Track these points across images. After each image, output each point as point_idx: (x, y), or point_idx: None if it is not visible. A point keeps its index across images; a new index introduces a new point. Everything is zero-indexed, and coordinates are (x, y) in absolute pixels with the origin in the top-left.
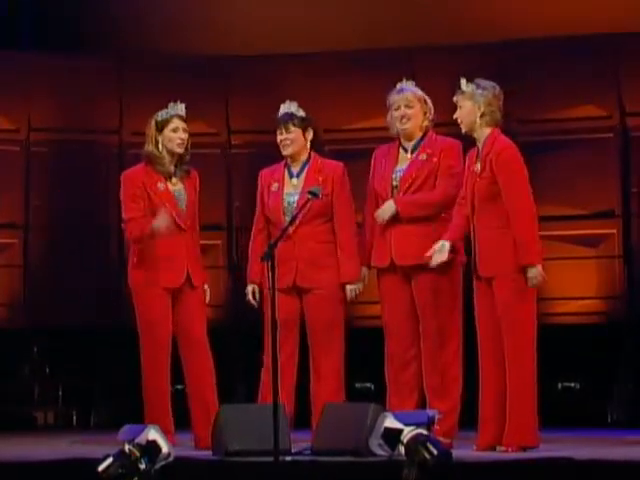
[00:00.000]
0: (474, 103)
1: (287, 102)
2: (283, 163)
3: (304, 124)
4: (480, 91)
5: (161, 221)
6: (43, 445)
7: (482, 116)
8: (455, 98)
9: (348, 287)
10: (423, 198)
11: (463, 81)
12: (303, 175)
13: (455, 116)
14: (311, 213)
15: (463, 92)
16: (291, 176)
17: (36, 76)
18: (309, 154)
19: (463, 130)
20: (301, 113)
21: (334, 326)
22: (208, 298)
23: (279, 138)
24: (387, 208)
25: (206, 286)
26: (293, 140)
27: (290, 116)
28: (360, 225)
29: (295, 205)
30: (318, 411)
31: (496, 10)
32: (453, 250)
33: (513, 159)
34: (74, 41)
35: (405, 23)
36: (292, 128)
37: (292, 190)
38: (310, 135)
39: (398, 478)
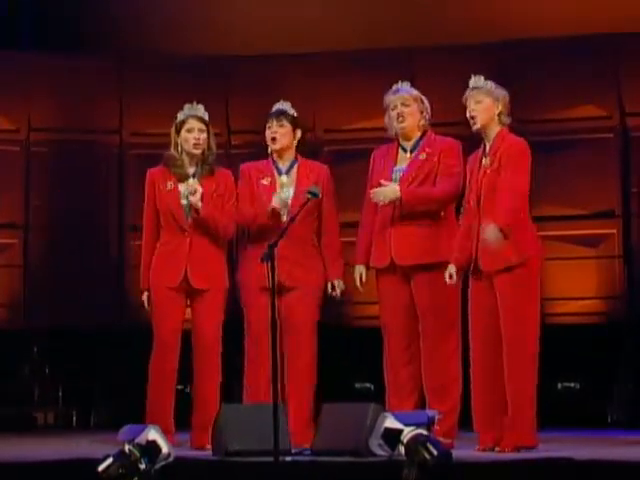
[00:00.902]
0: (494, 99)
1: (281, 101)
2: (269, 160)
3: (295, 122)
4: (498, 90)
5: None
6: (43, 445)
7: (499, 114)
8: (469, 93)
9: (337, 282)
10: (425, 192)
11: (480, 77)
12: (293, 173)
13: (470, 109)
14: (303, 213)
15: (481, 87)
16: (279, 173)
17: (36, 76)
18: (296, 155)
19: (478, 125)
20: (293, 112)
21: (311, 326)
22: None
23: (269, 131)
24: (390, 191)
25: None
26: (283, 134)
27: (283, 112)
28: (348, 225)
29: (289, 202)
30: (291, 409)
31: (496, 10)
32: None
33: (524, 154)
34: (74, 41)
35: (405, 23)
36: (284, 122)
37: (285, 187)
38: (298, 135)
39: (398, 478)
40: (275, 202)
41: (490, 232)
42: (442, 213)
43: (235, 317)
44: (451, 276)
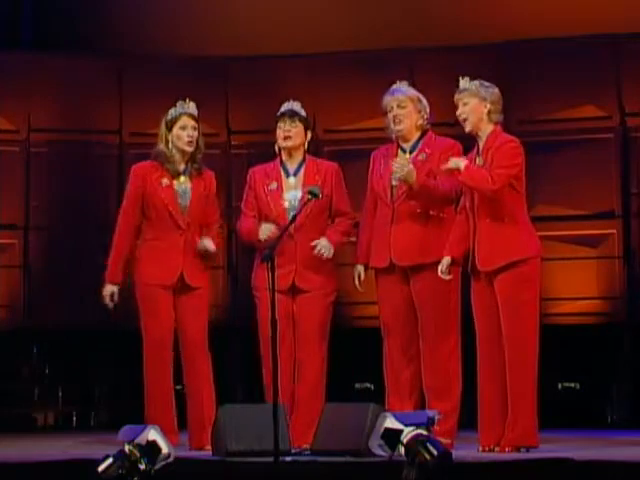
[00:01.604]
0: (481, 99)
1: (290, 101)
2: (277, 162)
3: (307, 123)
4: (485, 88)
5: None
6: (43, 445)
7: (489, 113)
8: (457, 96)
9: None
10: (434, 185)
11: (465, 79)
12: (301, 174)
13: (459, 113)
14: (312, 214)
15: (467, 89)
16: (287, 175)
17: (36, 76)
18: (304, 155)
19: (468, 128)
20: (304, 113)
21: (322, 329)
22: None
23: (281, 130)
24: (409, 172)
25: (209, 241)
26: (296, 134)
27: (295, 112)
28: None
29: (297, 204)
30: (297, 410)
31: (496, 10)
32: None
33: (515, 151)
34: (74, 41)
35: (405, 23)
36: (297, 122)
37: (292, 189)
38: (309, 136)
39: (398, 478)
40: (261, 235)
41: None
42: (442, 214)
43: (234, 318)
44: (442, 271)
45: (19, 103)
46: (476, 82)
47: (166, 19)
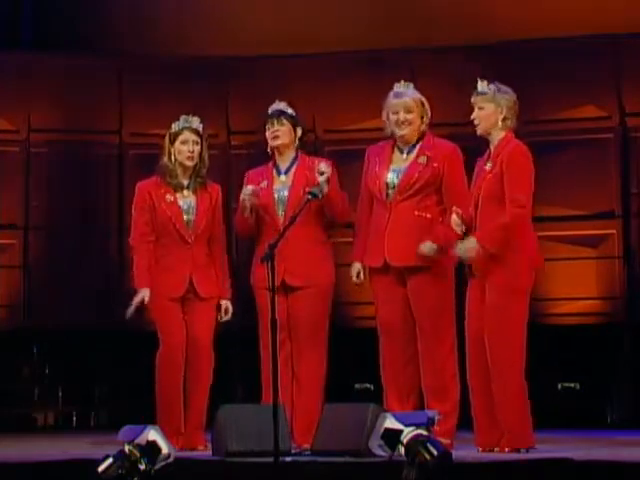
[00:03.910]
0: (497, 106)
1: (276, 101)
2: (271, 163)
3: (294, 121)
4: (502, 94)
5: None
6: (43, 445)
7: (504, 120)
8: (473, 99)
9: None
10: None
11: (483, 82)
12: (292, 172)
13: (473, 117)
14: (304, 213)
15: (484, 93)
16: (279, 173)
17: (36, 76)
18: (297, 153)
19: (479, 132)
20: (291, 111)
21: (319, 325)
22: (229, 316)
23: (269, 131)
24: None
25: (226, 302)
26: (284, 133)
27: (281, 112)
28: (347, 225)
29: (286, 200)
30: (297, 410)
31: (496, 10)
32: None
33: (523, 159)
34: (74, 41)
35: (405, 23)
36: (283, 121)
37: (281, 186)
38: (299, 133)
39: (398, 478)
40: (246, 202)
41: (466, 248)
42: (439, 218)
43: (233, 319)
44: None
45: (19, 103)
46: (493, 86)
47: (166, 19)
